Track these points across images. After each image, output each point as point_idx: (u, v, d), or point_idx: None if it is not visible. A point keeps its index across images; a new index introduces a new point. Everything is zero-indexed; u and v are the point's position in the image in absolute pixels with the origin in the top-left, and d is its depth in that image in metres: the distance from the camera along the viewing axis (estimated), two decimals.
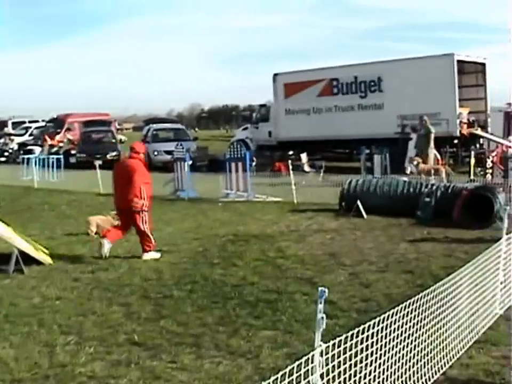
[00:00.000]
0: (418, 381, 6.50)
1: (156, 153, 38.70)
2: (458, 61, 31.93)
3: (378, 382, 5.95)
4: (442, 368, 6.97)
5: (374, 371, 5.88)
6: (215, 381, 7.11)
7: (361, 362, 5.71)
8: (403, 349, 6.32)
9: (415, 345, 6.55)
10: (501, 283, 9.03)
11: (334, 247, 14.21)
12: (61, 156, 34.86)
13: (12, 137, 52.81)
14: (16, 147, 48.81)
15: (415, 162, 23.95)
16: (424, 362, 6.67)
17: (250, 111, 50.48)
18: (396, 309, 6.18)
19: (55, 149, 41.69)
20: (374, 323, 5.77)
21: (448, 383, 6.95)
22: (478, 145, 32.64)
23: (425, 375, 6.63)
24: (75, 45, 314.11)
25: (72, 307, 10.12)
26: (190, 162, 25.21)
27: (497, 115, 36.09)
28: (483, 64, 34.11)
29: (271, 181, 23.15)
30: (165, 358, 7.80)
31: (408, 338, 6.43)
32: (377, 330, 5.83)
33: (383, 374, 6.01)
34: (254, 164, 24.87)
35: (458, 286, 7.71)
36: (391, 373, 6.12)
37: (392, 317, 6.08)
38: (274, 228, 16.60)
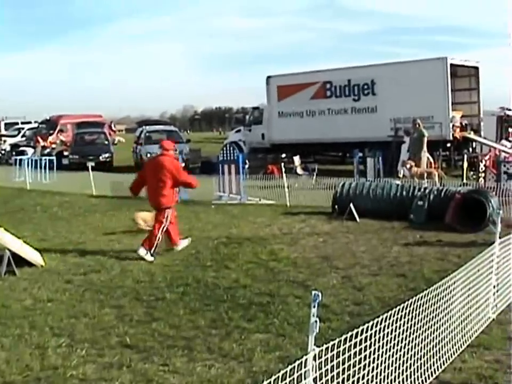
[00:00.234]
0: None
1: (148, 155, 38.53)
2: (452, 65, 31.96)
3: None
4: (435, 372, 6.96)
5: (367, 375, 5.87)
6: None
7: (354, 366, 5.70)
8: (396, 353, 6.31)
9: (408, 349, 6.54)
10: (494, 287, 9.02)
11: (326, 250, 14.19)
12: (54, 157, 34.74)
13: (4, 138, 52.70)
14: (8, 148, 48.68)
15: (408, 166, 23.96)
16: (418, 366, 6.66)
17: (244, 113, 50.48)
18: (389, 312, 6.17)
19: (48, 150, 41.52)
20: (367, 327, 5.76)
21: None
22: (470, 149, 32.73)
23: (418, 379, 6.62)
24: (68, 46, 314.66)
25: (64, 309, 10.09)
26: (183, 164, 25.15)
27: (490, 119, 36.16)
28: (476, 68, 34.17)
29: (264, 183, 23.09)
30: (157, 360, 7.78)
31: (401, 342, 6.42)
32: (370, 334, 5.82)
33: (376, 378, 6.01)
34: (247, 166, 24.81)
35: (451, 290, 7.71)
36: (384, 377, 6.11)
37: (385, 321, 6.07)
38: (267, 231, 16.58)
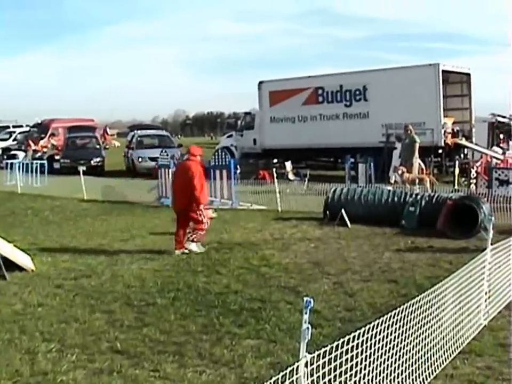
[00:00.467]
0: None
1: (140, 159, 38.59)
2: (444, 71, 32.01)
3: None
4: (427, 379, 6.95)
5: (359, 382, 5.85)
6: None
7: (346, 373, 5.68)
8: (388, 360, 6.30)
9: (399, 356, 6.52)
10: (486, 293, 9.02)
11: (318, 256, 14.18)
12: (45, 161, 34.68)
13: None
14: None
15: (399, 172, 23.96)
16: (409, 373, 6.65)
17: (235, 118, 50.40)
18: (381, 319, 6.15)
19: (39, 154, 41.43)
20: (359, 333, 5.74)
21: None
22: (462, 155, 32.74)
23: None
24: (59, 50, 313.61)
25: (54, 314, 10.05)
26: (174, 169, 25.13)
27: (482, 125, 36.23)
28: (468, 75, 34.23)
29: (256, 189, 23.08)
30: (147, 366, 7.75)
31: (393, 348, 6.40)
32: (362, 341, 5.80)
33: None
34: (238, 171, 24.80)
35: (442, 296, 7.70)
36: (375, 383, 6.09)
37: (377, 327, 6.05)
38: (258, 236, 16.57)
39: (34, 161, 33.79)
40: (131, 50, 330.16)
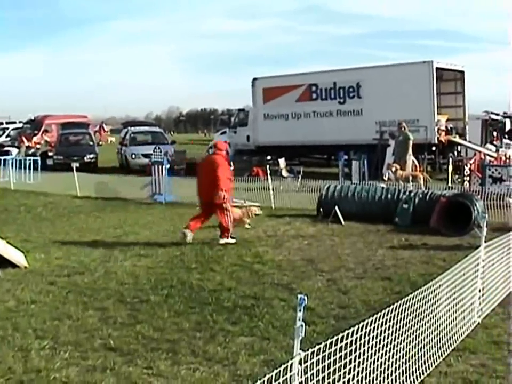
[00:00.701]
0: None
1: (133, 156, 38.56)
2: (437, 68, 32.05)
3: None
4: (420, 376, 6.94)
5: (353, 379, 5.85)
6: None
7: (339, 370, 5.67)
8: (381, 357, 6.29)
9: (393, 353, 6.51)
10: (479, 291, 9.02)
11: (311, 253, 14.17)
12: (38, 158, 34.57)
13: None
14: None
15: (393, 169, 23.98)
16: (403, 370, 6.64)
17: (229, 115, 50.43)
18: (375, 316, 6.14)
19: (32, 150, 41.40)
20: (353, 331, 5.73)
21: None
22: (456, 153, 32.83)
23: (403, 383, 6.59)
24: (53, 47, 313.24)
25: (47, 311, 10.01)
26: (168, 165, 25.10)
27: (475, 123, 36.32)
28: (462, 72, 34.27)
29: (249, 185, 23.03)
30: (140, 363, 7.72)
31: (387, 346, 6.39)
32: (356, 338, 5.79)
33: (362, 382, 5.98)
34: (231, 168, 24.76)
35: (436, 294, 7.69)
36: (369, 381, 6.09)
37: (370, 324, 6.04)
38: (252, 233, 16.54)
39: (28, 158, 33.68)
40: (125, 47, 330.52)
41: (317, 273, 12.24)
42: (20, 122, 58.01)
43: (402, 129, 25.86)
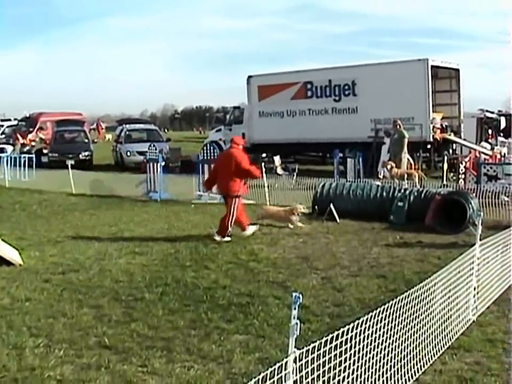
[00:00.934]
0: None
1: (128, 153, 38.57)
2: (433, 66, 32.02)
3: None
4: (415, 374, 6.95)
5: (348, 377, 5.85)
6: None
7: (334, 368, 5.67)
8: (376, 355, 6.30)
9: (388, 351, 6.52)
10: (474, 289, 9.03)
11: (306, 251, 14.18)
12: (33, 155, 34.50)
13: None
14: None
15: (388, 167, 24.03)
16: (398, 368, 6.64)
17: (224, 112, 50.33)
18: (370, 314, 6.14)
19: (27, 148, 41.29)
20: (348, 329, 5.73)
21: None
22: (451, 151, 32.83)
23: (398, 381, 6.61)
24: (48, 44, 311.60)
25: (42, 309, 10.00)
26: (163, 163, 25.08)
27: (470, 121, 36.35)
28: (457, 70, 34.25)
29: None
30: (135, 361, 7.72)
31: (382, 344, 6.40)
32: (351, 336, 5.79)
33: (357, 380, 5.99)
34: None
35: (431, 292, 7.70)
36: (364, 379, 6.09)
37: (365, 322, 6.04)
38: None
39: (22, 155, 33.61)
40: (121, 45, 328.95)
41: (312, 271, 12.24)
42: (14, 119, 57.79)
43: (398, 127, 25.89)
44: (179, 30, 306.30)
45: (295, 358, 4.93)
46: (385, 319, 6.44)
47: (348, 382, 5.86)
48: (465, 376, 7.14)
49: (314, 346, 5.23)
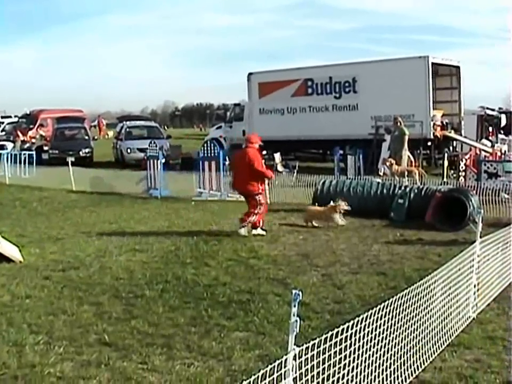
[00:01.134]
0: None
1: (129, 150, 38.58)
2: (433, 63, 32.01)
3: None
4: (415, 372, 6.94)
5: (347, 375, 5.84)
6: (186, 383, 7.03)
7: (334, 365, 5.67)
8: (376, 352, 6.29)
9: (388, 349, 6.51)
10: (475, 286, 9.02)
11: (306, 248, 14.18)
12: (33, 152, 34.50)
13: None
14: None
15: (388, 164, 24.00)
16: (398, 366, 6.64)
17: (225, 110, 50.36)
18: (370, 311, 6.14)
19: (28, 145, 41.31)
20: (348, 326, 5.72)
21: None
22: (451, 148, 32.85)
23: (398, 379, 6.60)
24: (48, 41, 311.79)
25: (42, 306, 9.99)
26: (163, 160, 25.08)
27: (471, 118, 36.31)
28: (457, 67, 34.23)
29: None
30: (135, 358, 7.71)
31: (382, 341, 6.39)
32: (351, 334, 5.79)
33: (357, 377, 5.98)
34: (227, 163, 24.74)
35: (431, 289, 7.69)
36: (364, 376, 6.09)
37: (365, 320, 6.04)
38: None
39: (23, 152, 33.63)
40: (121, 42, 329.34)
41: (312, 268, 12.24)
42: (15, 116, 57.85)
43: (398, 124, 25.86)
44: (178, 27, 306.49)
45: (295, 355, 4.93)
46: (385, 316, 6.44)
47: (348, 379, 5.86)
48: (465, 374, 7.13)
49: (314, 344, 5.23)
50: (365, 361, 6.08)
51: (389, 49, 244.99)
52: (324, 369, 5.50)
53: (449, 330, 8.03)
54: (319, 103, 35.51)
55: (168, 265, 12.65)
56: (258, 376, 4.60)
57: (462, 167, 24.12)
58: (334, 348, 5.58)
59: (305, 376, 5.21)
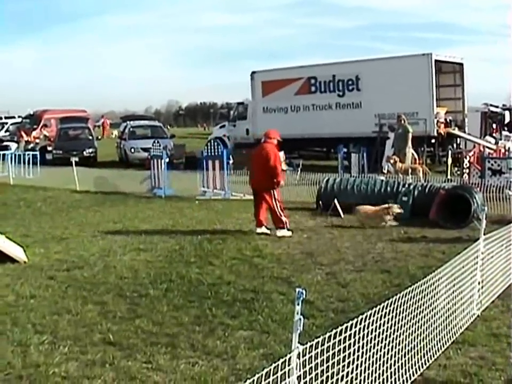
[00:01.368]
0: (396, 382, 6.46)
1: (132, 150, 38.59)
2: (436, 61, 31.98)
3: None
4: (420, 369, 6.94)
5: (352, 372, 5.84)
6: (190, 382, 7.04)
7: (338, 364, 5.67)
8: (381, 350, 6.29)
9: (392, 346, 6.51)
10: (479, 283, 9.02)
11: (311, 246, 14.17)
12: (37, 152, 34.54)
13: None
14: None
15: (392, 161, 23.99)
16: (402, 363, 6.64)
17: (228, 108, 50.37)
18: (374, 309, 6.14)
19: (31, 145, 41.34)
20: (352, 324, 5.72)
21: None
22: (455, 145, 32.76)
23: (403, 376, 6.60)
24: (50, 41, 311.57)
25: (46, 306, 10.01)
26: (167, 159, 25.08)
27: (475, 115, 36.26)
28: (461, 64, 34.18)
29: (248, 179, 23.04)
30: (140, 358, 7.72)
31: (386, 339, 6.39)
32: (355, 332, 5.78)
33: (361, 375, 5.98)
34: (231, 162, 24.72)
35: (436, 287, 7.69)
36: (368, 374, 6.08)
37: (369, 318, 6.04)
38: (251, 227, 16.48)
39: (27, 152, 33.67)
40: (123, 41, 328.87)
41: (316, 267, 12.24)
42: (19, 117, 57.92)
43: (402, 121, 25.88)
44: (178, 26, 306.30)
45: (299, 353, 4.93)
46: (389, 314, 6.44)
47: (352, 377, 5.86)
48: (470, 371, 7.13)
49: (318, 342, 5.23)
50: (369, 359, 6.08)
51: (392, 47, 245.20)
52: (328, 367, 5.50)
53: (453, 328, 8.03)
54: (323, 101, 35.52)
55: (172, 264, 12.66)
56: (262, 374, 4.60)
57: (466, 164, 24.10)
58: (338, 346, 5.58)
59: (309, 374, 5.21)
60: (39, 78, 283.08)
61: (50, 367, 7.44)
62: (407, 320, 6.88)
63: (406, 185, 18.14)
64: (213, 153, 23.36)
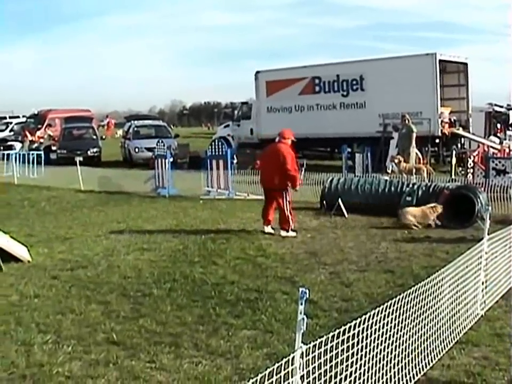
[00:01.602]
0: (399, 382, 6.46)
1: (136, 150, 38.61)
2: (441, 61, 31.94)
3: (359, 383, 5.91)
4: (423, 369, 6.94)
5: (355, 372, 5.84)
6: (194, 381, 7.05)
7: (342, 363, 5.67)
8: (384, 350, 6.28)
9: (396, 346, 6.51)
10: (483, 283, 9.01)
11: (314, 246, 14.17)
12: (42, 152, 34.56)
13: None
14: None
15: (396, 161, 23.97)
16: (406, 363, 6.63)
17: (232, 108, 50.34)
18: (377, 309, 6.14)
19: (36, 145, 41.35)
20: (355, 324, 5.72)
21: None
22: (459, 145, 32.72)
23: (406, 376, 6.59)
24: (53, 41, 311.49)
25: (50, 305, 10.02)
26: (171, 159, 25.09)
27: (479, 115, 36.23)
28: (465, 64, 34.13)
29: (252, 178, 22.99)
30: (143, 357, 7.73)
31: (390, 339, 6.39)
32: (358, 331, 5.78)
33: (364, 375, 5.97)
34: (235, 161, 24.70)
35: (439, 287, 7.69)
36: (372, 374, 6.08)
37: (373, 317, 6.03)
38: (255, 226, 16.50)
39: (31, 152, 33.68)
40: (121, 41, 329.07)
41: (320, 266, 12.24)
42: (23, 116, 58.00)
43: (406, 121, 25.85)
44: (178, 26, 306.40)
45: (302, 353, 4.93)
46: (393, 314, 6.44)
47: (355, 377, 5.85)
48: (473, 371, 7.13)
49: (322, 341, 5.23)
50: (372, 359, 6.08)
51: (394, 47, 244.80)
52: (331, 367, 5.49)
53: (457, 328, 8.02)
54: (327, 101, 35.49)
55: (176, 264, 12.67)
56: (265, 374, 4.60)
57: (470, 164, 24.05)
58: (341, 346, 5.58)
59: (312, 374, 5.21)
60: (40, 78, 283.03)
61: (54, 367, 7.45)
62: (411, 320, 6.88)
63: (410, 185, 18.12)
64: (217, 153, 23.34)
